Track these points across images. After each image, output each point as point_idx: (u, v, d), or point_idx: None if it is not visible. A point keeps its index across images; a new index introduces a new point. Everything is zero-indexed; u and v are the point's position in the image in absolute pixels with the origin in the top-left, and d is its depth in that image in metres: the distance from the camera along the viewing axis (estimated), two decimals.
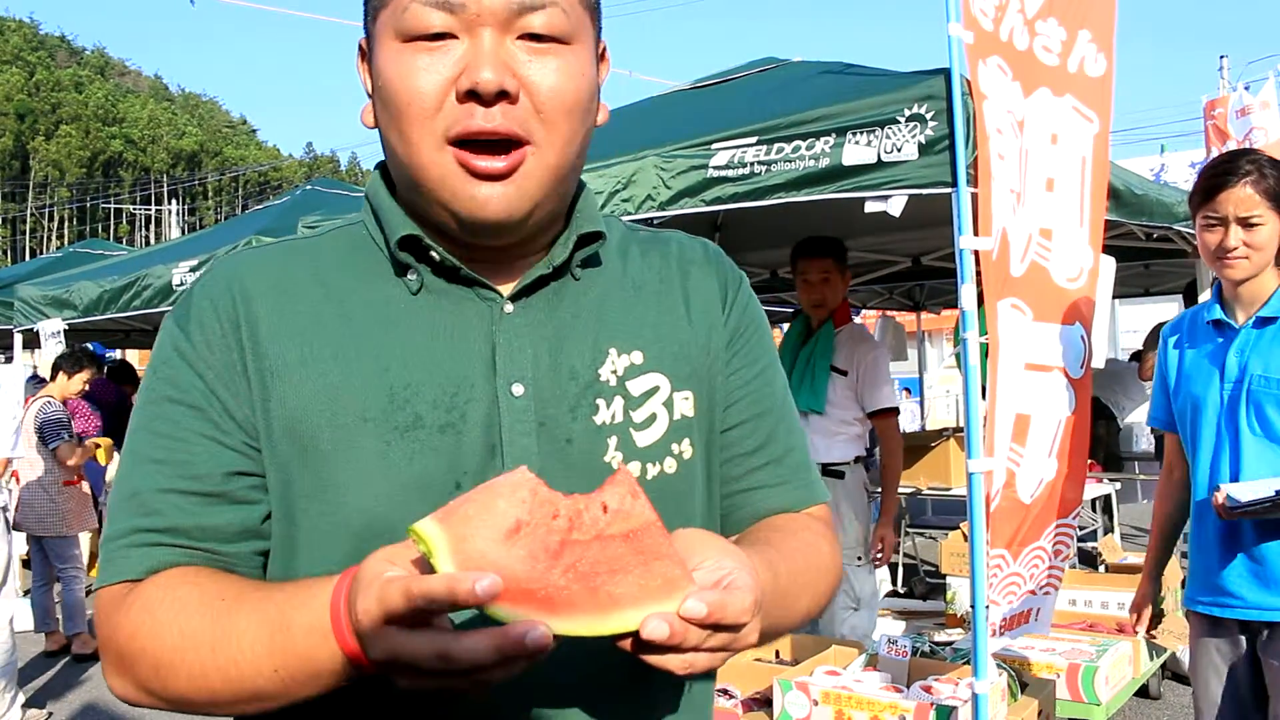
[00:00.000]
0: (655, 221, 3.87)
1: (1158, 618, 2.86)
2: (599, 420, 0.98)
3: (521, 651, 0.67)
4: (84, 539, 6.83)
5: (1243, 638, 2.53)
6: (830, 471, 4.27)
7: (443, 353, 0.96)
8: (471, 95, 0.89)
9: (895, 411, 4.45)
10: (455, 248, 0.97)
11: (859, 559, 4.32)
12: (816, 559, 1.04)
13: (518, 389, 0.96)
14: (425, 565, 0.72)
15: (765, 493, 1.10)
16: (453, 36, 0.90)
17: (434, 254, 0.97)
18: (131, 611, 0.88)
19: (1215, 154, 9.20)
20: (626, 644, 0.74)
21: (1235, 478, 2.44)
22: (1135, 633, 2.91)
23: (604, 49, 1.03)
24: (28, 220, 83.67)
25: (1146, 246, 5.33)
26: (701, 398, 1.05)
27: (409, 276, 0.98)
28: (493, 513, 0.73)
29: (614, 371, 1.00)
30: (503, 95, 0.89)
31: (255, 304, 0.96)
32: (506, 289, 0.99)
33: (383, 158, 1.03)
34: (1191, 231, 4.76)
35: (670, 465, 1.01)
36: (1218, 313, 2.55)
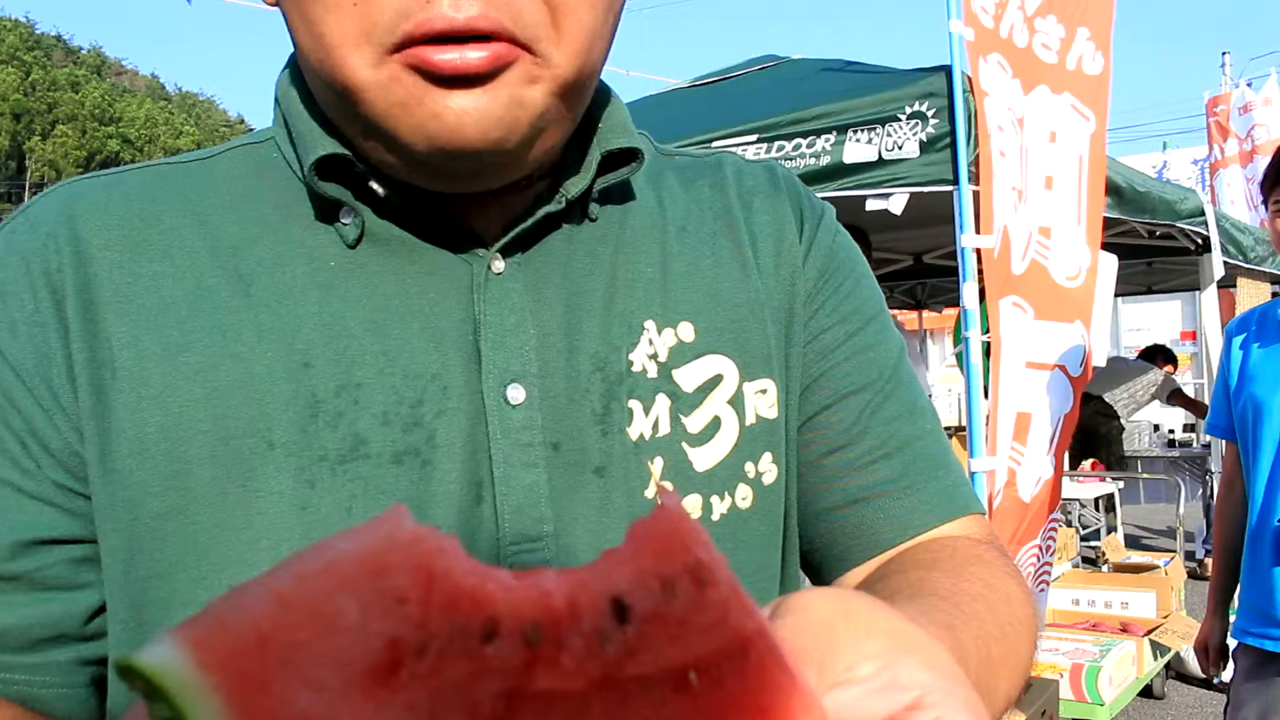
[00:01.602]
0: None
1: (1226, 655, 2.52)
2: (635, 434, 0.65)
3: None
4: None
5: None
6: None
7: (397, 336, 0.62)
8: None
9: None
10: (414, 174, 0.62)
11: None
12: (1009, 611, 0.62)
13: (515, 393, 0.62)
14: None
15: (881, 505, 0.71)
16: None
17: (374, 185, 0.62)
18: None
19: (1217, 151, 9.21)
20: None
21: None
22: (1211, 675, 2.60)
23: None
24: None
25: (1149, 244, 5.32)
26: (784, 390, 0.71)
27: (342, 219, 0.63)
28: (329, 624, 0.31)
29: (653, 355, 0.66)
30: None
31: (95, 261, 0.61)
32: (493, 235, 0.65)
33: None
34: (1194, 229, 4.76)
35: (744, 496, 0.68)
36: None
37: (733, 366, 0.68)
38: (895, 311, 9.02)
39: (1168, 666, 4.79)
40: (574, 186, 0.65)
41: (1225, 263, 5.06)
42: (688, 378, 0.67)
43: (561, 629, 0.32)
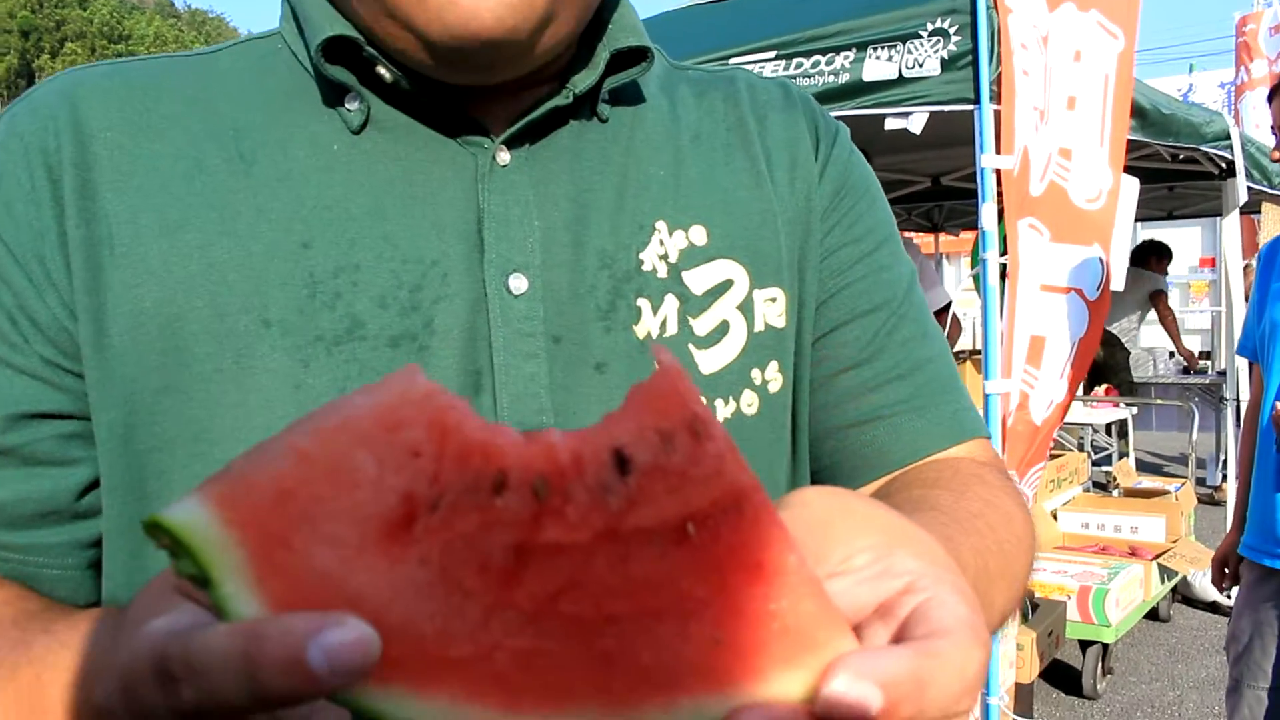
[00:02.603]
0: None
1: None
2: (642, 332, 0.64)
3: None
4: None
5: None
6: None
7: (398, 221, 0.62)
8: None
9: (948, 307, 4.45)
10: (426, 63, 0.61)
11: None
12: (1008, 529, 0.63)
13: (518, 283, 0.62)
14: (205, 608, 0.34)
15: (892, 425, 0.71)
16: None
17: (382, 70, 0.61)
18: None
19: (1244, 73, 9.00)
20: None
21: None
22: (1222, 590, 2.63)
23: None
24: None
25: (1172, 168, 5.23)
26: (795, 301, 0.71)
27: (347, 105, 0.63)
28: (347, 479, 0.32)
29: (663, 256, 0.66)
30: None
31: (94, 141, 0.61)
32: (499, 129, 0.65)
33: None
34: (1219, 153, 4.68)
35: (750, 403, 0.68)
36: None
37: (744, 273, 0.68)
38: (912, 234, 8.95)
39: (1174, 590, 4.84)
40: (581, 82, 0.65)
41: (1249, 188, 4.98)
42: (698, 280, 0.67)
43: (567, 482, 0.33)
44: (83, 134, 0.61)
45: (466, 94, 0.63)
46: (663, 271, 0.66)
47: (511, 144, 0.64)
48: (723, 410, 0.67)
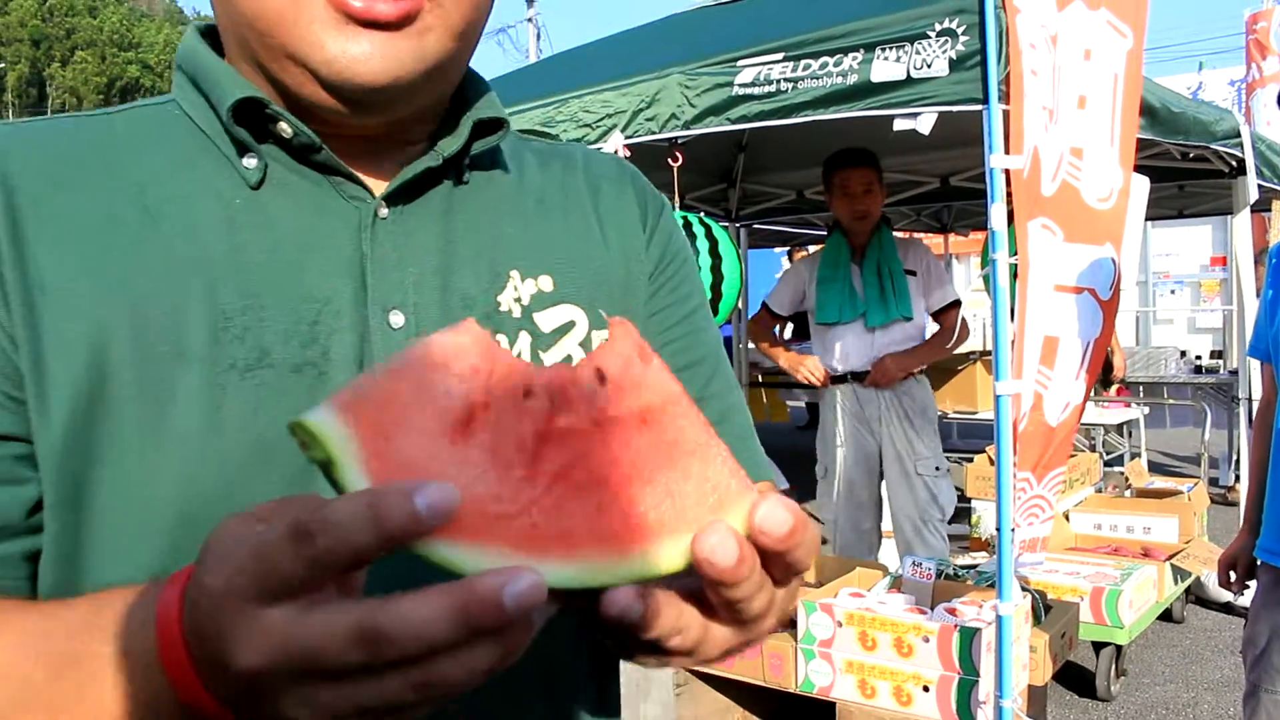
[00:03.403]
0: (680, 141, 3.80)
1: (1253, 573, 2.50)
2: None
3: (500, 617, 0.41)
4: None
5: None
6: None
7: (296, 265, 0.70)
8: None
9: (958, 304, 4.54)
10: (310, 125, 0.71)
11: (937, 468, 4.38)
12: None
13: (396, 318, 0.72)
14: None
15: None
16: None
17: (284, 126, 0.70)
18: None
19: (1255, 70, 8.96)
20: (624, 594, 0.47)
21: None
22: (1236, 592, 2.59)
23: None
24: None
25: (1182, 167, 5.21)
26: None
27: (246, 162, 0.71)
28: (427, 392, 0.47)
29: (517, 299, 0.78)
30: None
31: (17, 193, 0.68)
32: (378, 187, 0.75)
33: (200, 20, 0.81)
34: (1229, 151, 4.66)
35: None
36: None
37: (584, 316, 0.80)
38: (921, 235, 8.93)
39: (1188, 591, 4.81)
40: (449, 146, 0.76)
41: (1260, 185, 4.95)
42: (545, 321, 0.79)
43: (569, 390, 0.49)
44: (8, 188, 0.68)
45: (352, 154, 0.73)
46: (517, 312, 0.78)
47: (390, 200, 0.74)
48: None
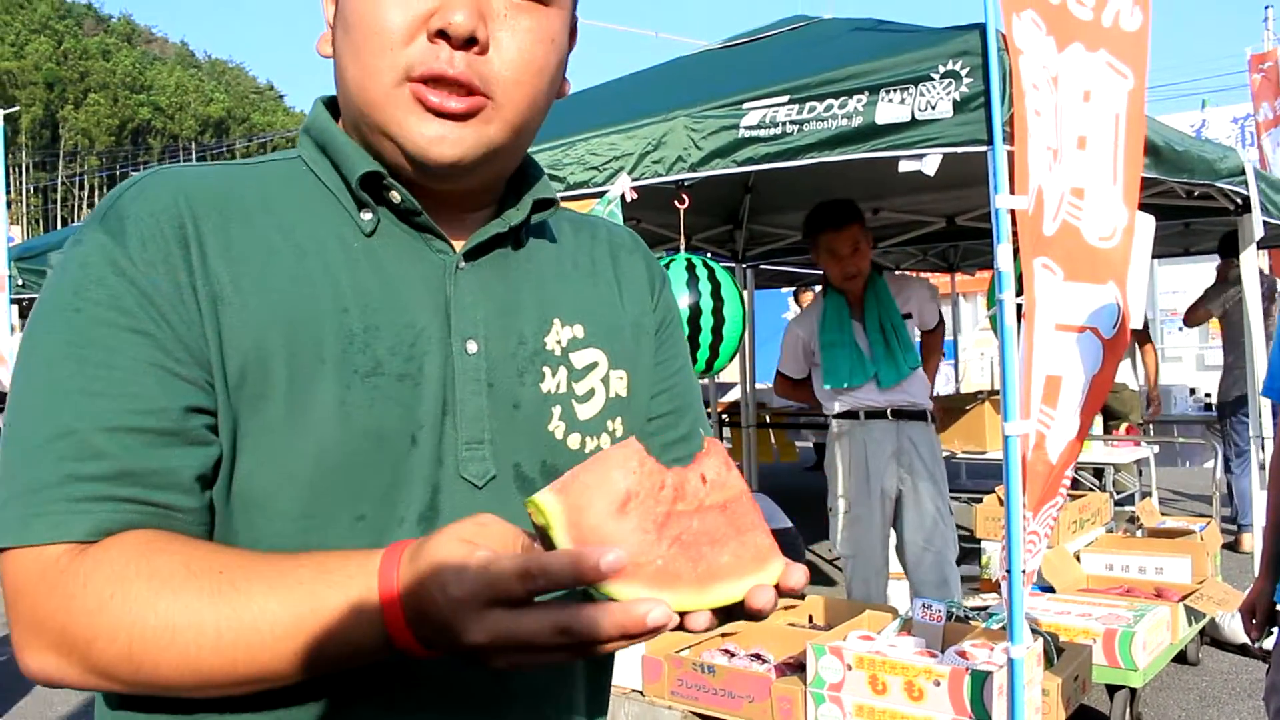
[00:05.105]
0: (686, 183, 3.82)
1: (1273, 619, 2.44)
2: (545, 388, 0.96)
3: (644, 631, 0.66)
4: None
5: None
6: (922, 415, 4.46)
7: (400, 299, 0.91)
8: (441, 35, 0.85)
9: (941, 324, 4.73)
10: (410, 192, 0.92)
11: (938, 508, 4.42)
12: None
13: (472, 346, 0.92)
14: (530, 541, 0.74)
15: None
16: None
17: (395, 195, 0.92)
18: (90, 583, 0.76)
19: (1266, 110, 8.98)
20: (703, 616, 0.73)
21: None
22: (1254, 641, 2.54)
23: (576, 24, 1.00)
24: (59, 189, 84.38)
25: (1187, 205, 5.22)
26: (632, 380, 1.04)
27: (364, 216, 0.93)
28: (608, 484, 0.71)
29: (559, 342, 0.98)
30: (472, 43, 0.86)
31: (202, 221, 0.87)
32: (458, 244, 0.96)
33: (325, 93, 1.01)
34: (1234, 188, 4.67)
35: (606, 442, 1.00)
36: None
37: (604, 357, 1.02)
38: (928, 274, 8.95)
39: (1202, 633, 4.76)
40: (514, 217, 0.98)
41: (1266, 223, 4.95)
42: (578, 360, 1.00)
43: (686, 485, 0.74)
44: (196, 216, 0.87)
45: (442, 215, 0.94)
46: (558, 352, 0.98)
47: (467, 255, 0.96)
48: (590, 444, 0.99)
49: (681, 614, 0.70)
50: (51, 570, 0.77)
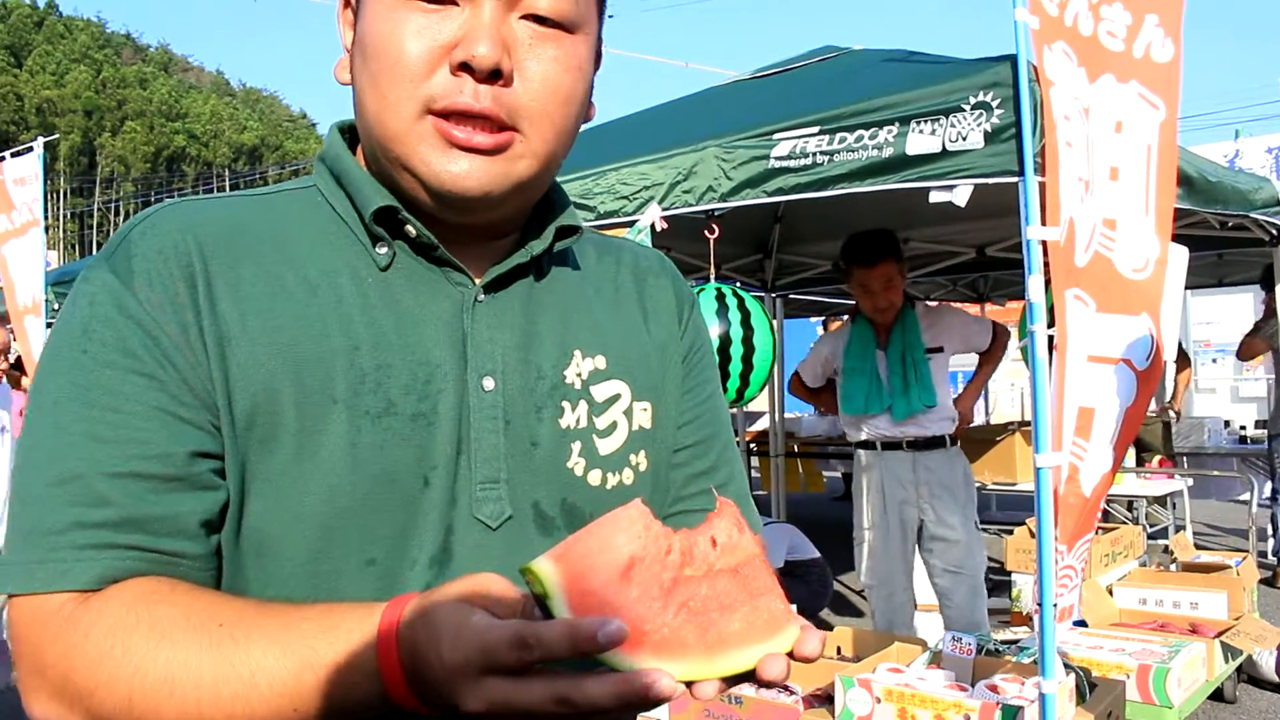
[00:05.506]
0: (716, 213, 3.84)
1: None
2: (564, 424, 0.92)
3: (645, 702, 0.64)
4: None
5: None
6: (938, 442, 4.44)
7: (415, 335, 0.88)
8: (464, 68, 0.82)
9: (1005, 331, 4.68)
10: (427, 225, 0.89)
11: (966, 537, 4.39)
12: None
13: (488, 383, 0.89)
14: (530, 605, 0.70)
15: (707, 500, 1.05)
16: (453, 2, 0.83)
17: (410, 229, 0.88)
18: (92, 634, 0.75)
19: None
20: (710, 685, 0.70)
21: None
22: None
23: (601, 46, 0.96)
24: (95, 215, 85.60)
25: (1221, 235, 5.19)
26: (657, 411, 1.00)
27: (379, 249, 0.90)
28: (610, 550, 0.68)
29: (579, 374, 0.94)
30: (496, 75, 0.83)
31: (210, 259, 0.84)
32: (478, 275, 0.92)
33: (341, 119, 0.97)
34: (1268, 219, 4.63)
35: (628, 477, 0.96)
36: None
37: (628, 389, 0.98)
38: (958, 304, 8.91)
39: (1239, 670, 4.68)
40: (537, 246, 0.94)
41: None
42: (599, 393, 0.96)
43: (694, 549, 0.71)
44: (204, 254, 0.84)
45: (459, 247, 0.90)
46: (578, 385, 0.94)
47: (486, 288, 0.92)
48: (611, 479, 0.95)
49: (689, 683, 0.68)
50: (55, 619, 0.77)
